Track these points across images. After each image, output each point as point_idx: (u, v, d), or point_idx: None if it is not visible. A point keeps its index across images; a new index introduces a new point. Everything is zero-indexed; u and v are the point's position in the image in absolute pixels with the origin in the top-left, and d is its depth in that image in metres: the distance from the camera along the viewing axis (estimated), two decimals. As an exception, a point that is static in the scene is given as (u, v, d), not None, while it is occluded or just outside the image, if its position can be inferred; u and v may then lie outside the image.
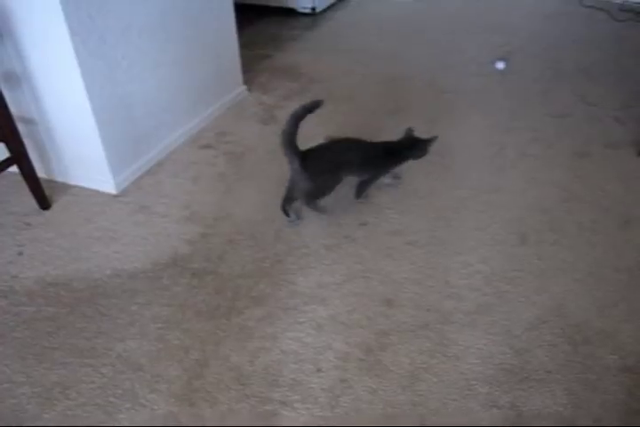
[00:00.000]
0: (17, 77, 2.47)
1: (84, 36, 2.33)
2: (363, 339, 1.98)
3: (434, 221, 2.48)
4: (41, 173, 2.66)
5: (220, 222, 2.53)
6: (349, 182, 2.54)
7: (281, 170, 2.72)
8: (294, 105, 3.04)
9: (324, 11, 4.66)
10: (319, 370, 1.88)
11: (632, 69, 3.67)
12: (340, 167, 2.39)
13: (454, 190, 2.66)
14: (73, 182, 2.76)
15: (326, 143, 2.47)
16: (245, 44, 3.82)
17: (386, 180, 2.71)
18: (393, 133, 2.69)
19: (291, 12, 4.60)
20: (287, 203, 2.48)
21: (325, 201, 2.51)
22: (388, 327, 2.02)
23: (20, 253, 2.37)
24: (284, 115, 3.19)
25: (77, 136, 2.60)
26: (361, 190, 2.60)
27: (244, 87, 3.49)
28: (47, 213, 2.60)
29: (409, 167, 2.74)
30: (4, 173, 2.44)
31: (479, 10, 4.76)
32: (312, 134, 2.61)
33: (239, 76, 3.46)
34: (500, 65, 3.65)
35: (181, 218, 2.56)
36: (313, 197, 2.45)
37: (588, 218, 2.46)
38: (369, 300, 2.13)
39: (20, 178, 2.56)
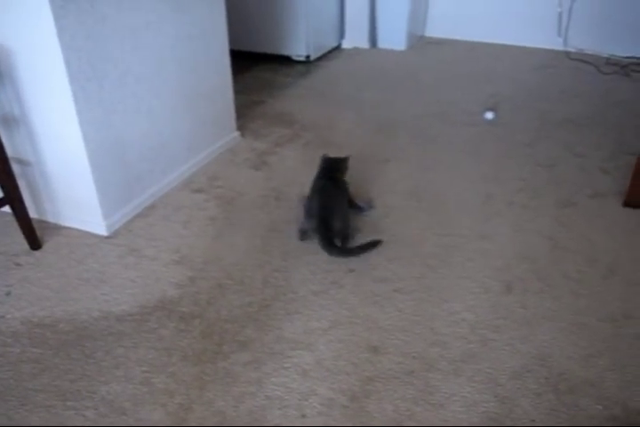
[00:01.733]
0: (15, 120, 2.53)
1: (82, 83, 2.39)
2: (348, 385, 1.99)
3: (421, 269, 2.50)
4: (33, 213, 2.70)
5: (209, 266, 2.55)
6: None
7: (270, 216, 2.78)
8: (286, 151, 3.11)
9: (319, 59, 4.77)
10: (303, 416, 1.89)
11: (618, 121, 3.76)
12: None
13: (442, 238, 2.69)
14: (65, 223, 2.79)
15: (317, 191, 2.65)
16: (240, 90, 3.92)
17: (360, 204, 2.84)
18: (384, 182, 2.75)
19: (285, 60, 4.71)
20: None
21: (315, 248, 2.57)
22: (373, 374, 2.03)
23: (8, 294, 2.39)
24: (275, 161, 3.30)
25: (71, 178, 2.64)
26: (347, 237, 2.63)
27: (237, 133, 3.56)
28: (37, 253, 2.62)
29: (397, 215, 2.78)
30: (-4, 213, 2.46)
31: (469, 61, 4.89)
32: (303, 181, 2.67)
33: (233, 122, 3.52)
34: (490, 115, 3.73)
35: (171, 261, 2.58)
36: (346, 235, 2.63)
37: (574, 268, 2.50)
38: (355, 346, 2.14)
39: (11, 218, 2.59)
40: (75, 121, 2.45)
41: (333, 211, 2.61)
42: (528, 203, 2.95)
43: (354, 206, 2.84)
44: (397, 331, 2.21)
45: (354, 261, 2.57)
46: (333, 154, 2.92)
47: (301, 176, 3.13)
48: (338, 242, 2.60)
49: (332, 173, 2.77)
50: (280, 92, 4.25)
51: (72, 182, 2.67)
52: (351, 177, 2.92)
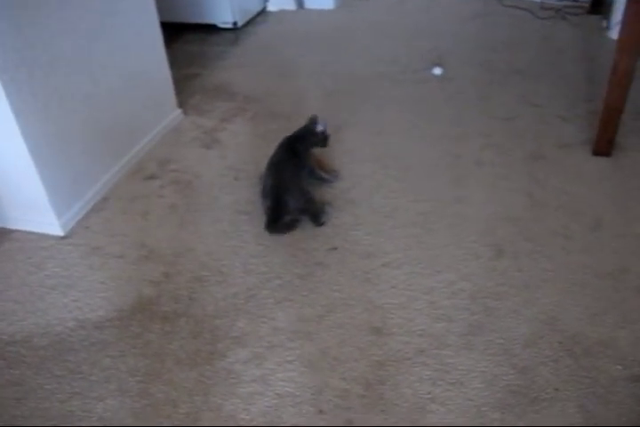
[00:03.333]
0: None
1: (12, 73, 2.22)
2: (359, 373, 1.93)
3: (405, 240, 2.45)
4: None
5: (181, 259, 2.42)
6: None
7: (233, 197, 2.65)
8: (234, 126, 2.96)
9: (246, 25, 4.58)
10: (321, 412, 1.81)
11: (566, 68, 3.74)
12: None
13: (417, 204, 2.64)
14: (14, 226, 2.61)
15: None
16: (170, 65, 3.71)
17: (324, 176, 2.76)
18: (343, 151, 2.82)
19: (212, 29, 4.49)
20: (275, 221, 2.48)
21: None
22: (383, 358, 1.97)
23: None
24: (225, 137, 3.15)
25: (15, 177, 2.47)
26: (315, 213, 2.56)
27: (179, 111, 3.38)
28: (-10, 263, 2.43)
29: (366, 184, 2.74)
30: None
31: (400, 15, 4.77)
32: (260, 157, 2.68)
33: (173, 100, 3.35)
34: (438, 71, 3.67)
35: (139, 257, 2.44)
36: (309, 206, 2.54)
37: (559, 223, 2.48)
38: (356, 330, 2.07)
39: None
40: (10, 116, 2.27)
41: (288, 188, 2.51)
42: (496, 160, 2.91)
43: (319, 178, 2.76)
44: (397, 309, 2.16)
45: (333, 238, 2.48)
46: (283, 124, 2.92)
47: (257, 151, 3.01)
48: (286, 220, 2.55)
49: (290, 144, 2.66)
50: (213, 64, 4.06)
51: (17, 182, 2.49)
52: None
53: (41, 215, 2.56)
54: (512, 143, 3.01)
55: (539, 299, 2.15)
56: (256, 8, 4.74)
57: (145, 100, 3.10)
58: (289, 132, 2.71)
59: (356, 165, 2.94)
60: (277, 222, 2.47)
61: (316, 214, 2.56)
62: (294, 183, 2.53)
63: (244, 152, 3.07)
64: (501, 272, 2.27)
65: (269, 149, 2.68)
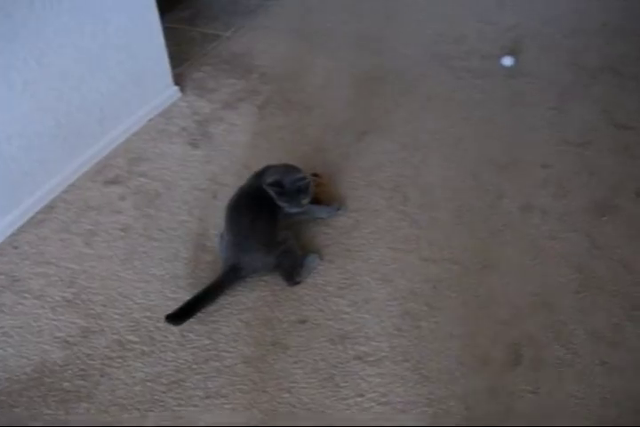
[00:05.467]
0: None
1: None
2: None
3: (396, 321, 1.99)
4: None
5: (110, 311, 2.03)
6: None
7: (203, 223, 2.29)
8: (235, 117, 2.60)
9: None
10: None
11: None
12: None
13: (428, 266, 2.15)
14: None
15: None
16: (187, 19, 3.20)
17: (322, 213, 2.30)
18: (358, 167, 2.46)
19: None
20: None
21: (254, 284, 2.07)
22: None
23: None
24: (219, 132, 2.66)
25: None
26: (289, 269, 2.10)
27: (174, 89, 2.88)
28: None
29: (370, 226, 2.29)
30: None
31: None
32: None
33: (167, 74, 2.85)
34: (508, 61, 3.04)
35: (61, 301, 2.07)
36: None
37: (609, 321, 1.94)
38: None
39: None
40: None
41: (250, 243, 2.05)
42: (550, 206, 2.34)
43: (314, 217, 2.28)
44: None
45: (307, 306, 2.06)
46: (296, 119, 2.61)
47: (251, 158, 2.53)
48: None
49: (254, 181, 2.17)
50: (241, 22, 3.52)
51: None
52: (316, 159, 2.48)
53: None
54: (577, 182, 2.42)
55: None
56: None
57: (123, 78, 2.62)
58: (298, 134, 2.55)
59: (368, 192, 2.44)
60: (188, 316, 1.96)
61: (290, 271, 2.07)
62: (261, 234, 2.04)
63: (234, 157, 2.60)
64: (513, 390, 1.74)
65: (268, 156, 2.38)
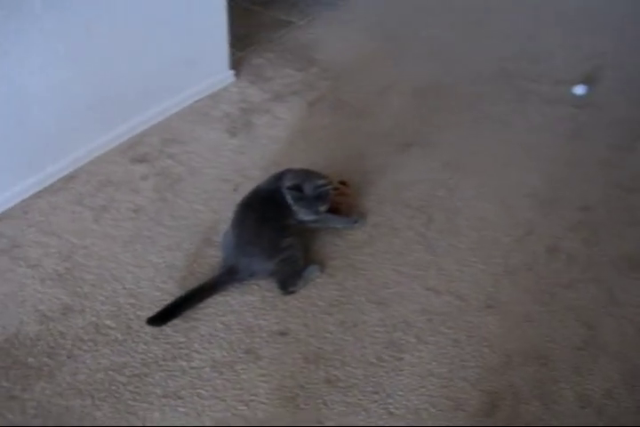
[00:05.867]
0: None
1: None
2: None
3: (381, 348, 1.91)
4: None
5: (97, 291, 2.03)
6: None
7: (217, 215, 2.28)
8: (282, 110, 2.64)
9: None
10: None
11: None
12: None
13: (429, 296, 2.07)
14: None
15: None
16: (266, 2, 3.14)
17: (339, 224, 2.21)
18: (391, 182, 2.38)
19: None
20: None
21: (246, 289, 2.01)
22: None
23: None
24: (261, 124, 2.62)
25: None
26: (285, 278, 2.04)
27: (229, 73, 2.86)
28: None
29: (384, 243, 2.21)
30: None
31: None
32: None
33: (224, 57, 2.80)
34: (580, 90, 2.87)
35: (52, 274, 2.08)
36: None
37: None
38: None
39: None
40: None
41: (252, 246, 2.01)
42: (579, 252, 2.20)
43: (329, 224, 2.21)
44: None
45: (291, 318, 2.00)
46: (342, 121, 2.57)
47: (283, 155, 2.49)
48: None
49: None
50: (318, 13, 3.43)
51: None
52: (350, 166, 2.40)
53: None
54: (613, 230, 2.27)
55: None
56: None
57: (177, 52, 2.60)
58: (342, 135, 2.48)
59: (392, 209, 2.35)
60: (174, 316, 1.93)
61: (286, 280, 2.02)
62: (265, 238, 2.01)
63: (268, 152, 2.56)
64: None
65: (302, 156, 2.37)
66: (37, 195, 2.32)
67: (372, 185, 2.41)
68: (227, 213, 2.16)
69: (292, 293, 2.03)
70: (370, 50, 3.16)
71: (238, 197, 2.15)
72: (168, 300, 1.97)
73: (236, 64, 2.91)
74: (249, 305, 2.01)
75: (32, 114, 2.20)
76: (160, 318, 1.90)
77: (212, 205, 2.31)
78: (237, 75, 2.91)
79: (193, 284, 2.01)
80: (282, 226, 2.03)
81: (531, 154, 2.59)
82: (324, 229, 2.20)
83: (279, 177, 2.08)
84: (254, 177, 2.38)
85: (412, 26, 3.37)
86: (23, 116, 2.18)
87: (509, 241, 2.22)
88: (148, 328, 1.92)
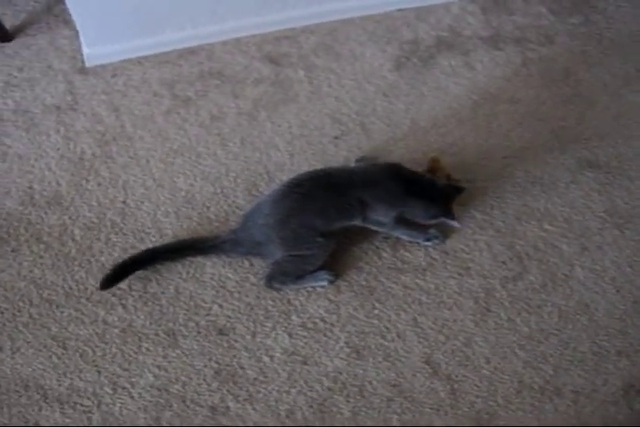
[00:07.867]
0: None
1: None
2: None
3: (304, 398, 1.57)
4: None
5: (96, 193, 1.92)
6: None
7: (288, 162, 1.96)
8: (484, 58, 2.18)
9: None
10: None
11: None
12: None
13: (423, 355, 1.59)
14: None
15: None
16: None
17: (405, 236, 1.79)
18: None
19: None
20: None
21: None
22: None
23: None
24: (446, 66, 2.21)
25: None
26: (276, 273, 1.72)
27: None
28: None
29: (438, 275, 1.76)
30: None
31: None
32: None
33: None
34: None
35: (75, 156, 2.00)
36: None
37: None
38: None
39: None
40: None
41: (266, 228, 1.70)
42: None
43: (395, 232, 1.79)
44: None
45: (239, 323, 1.68)
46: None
47: (439, 125, 2.04)
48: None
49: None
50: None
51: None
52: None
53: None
54: None
55: None
56: None
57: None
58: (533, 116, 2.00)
59: (487, 241, 1.81)
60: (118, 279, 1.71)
61: (278, 274, 1.71)
62: (289, 230, 1.70)
63: (418, 109, 2.08)
64: None
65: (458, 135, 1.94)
66: (140, 60, 2.13)
67: (486, 196, 1.88)
68: (303, 166, 1.88)
69: (275, 289, 1.72)
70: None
71: (338, 148, 1.85)
72: (145, 239, 1.79)
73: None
74: (220, 281, 1.76)
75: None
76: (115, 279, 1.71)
77: (295, 145, 1.97)
78: (473, -3, 2.34)
79: (189, 234, 1.79)
80: (326, 222, 1.72)
81: None
82: (389, 235, 1.79)
83: (386, 169, 1.78)
84: (375, 131, 1.95)
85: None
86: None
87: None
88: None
